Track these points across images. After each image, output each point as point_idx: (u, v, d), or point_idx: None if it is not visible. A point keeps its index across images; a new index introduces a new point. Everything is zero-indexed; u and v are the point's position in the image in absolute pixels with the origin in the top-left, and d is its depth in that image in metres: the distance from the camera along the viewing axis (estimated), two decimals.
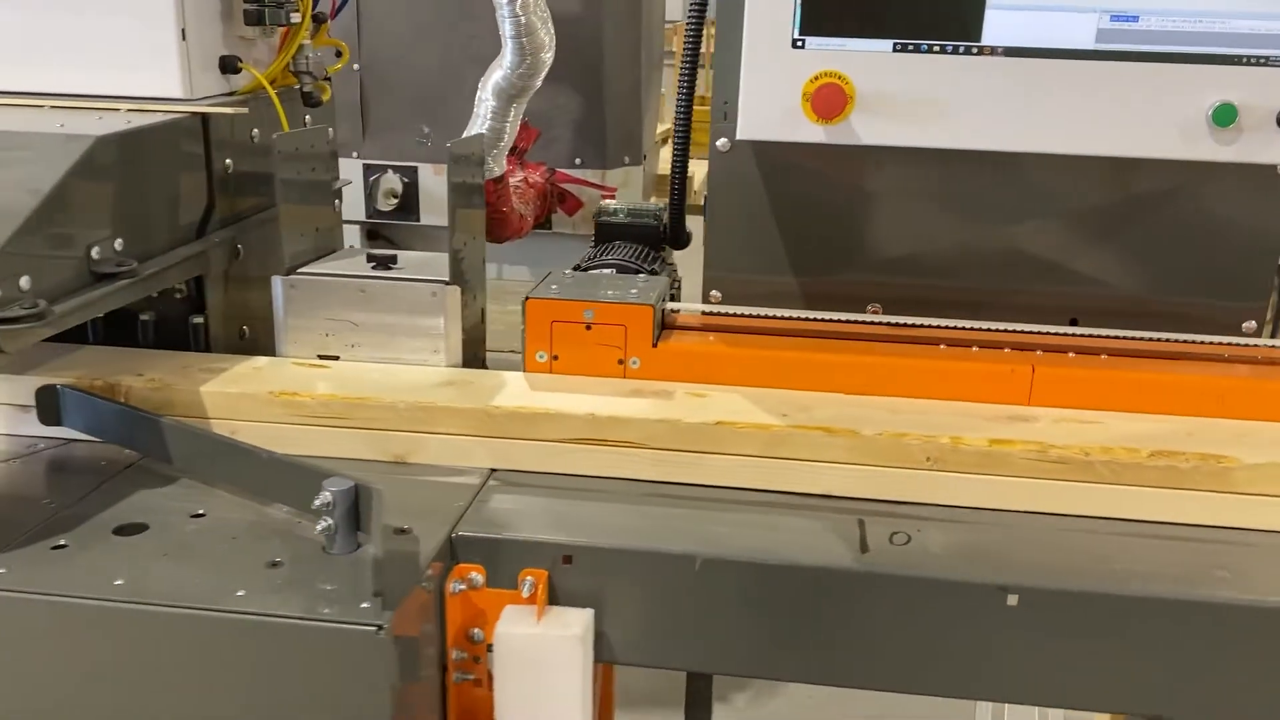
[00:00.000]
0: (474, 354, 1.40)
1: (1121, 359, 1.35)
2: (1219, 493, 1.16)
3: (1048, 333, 1.38)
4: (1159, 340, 1.37)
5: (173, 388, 1.29)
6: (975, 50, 1.22)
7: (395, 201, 2.90)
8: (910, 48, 1.22)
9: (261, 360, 1.39)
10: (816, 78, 1.23)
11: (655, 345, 1.35)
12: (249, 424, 1.28)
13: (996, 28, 1.21)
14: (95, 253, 1.18)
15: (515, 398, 1.28)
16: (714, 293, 1.51)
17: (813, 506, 1.19)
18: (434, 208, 2.82)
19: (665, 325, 1.43)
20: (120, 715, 1.00)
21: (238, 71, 1.50)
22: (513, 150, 2.38)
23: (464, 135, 2.08)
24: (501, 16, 2.09)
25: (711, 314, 1.46)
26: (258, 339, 1.49)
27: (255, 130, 1.50)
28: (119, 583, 0.99)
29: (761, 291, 1.49)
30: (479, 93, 2.26)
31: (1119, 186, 1.41)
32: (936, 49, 1.22)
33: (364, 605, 0.97)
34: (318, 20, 1.73)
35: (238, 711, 0.99)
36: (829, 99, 1.21)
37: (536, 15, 2.10)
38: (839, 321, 1.41)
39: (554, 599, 1.12)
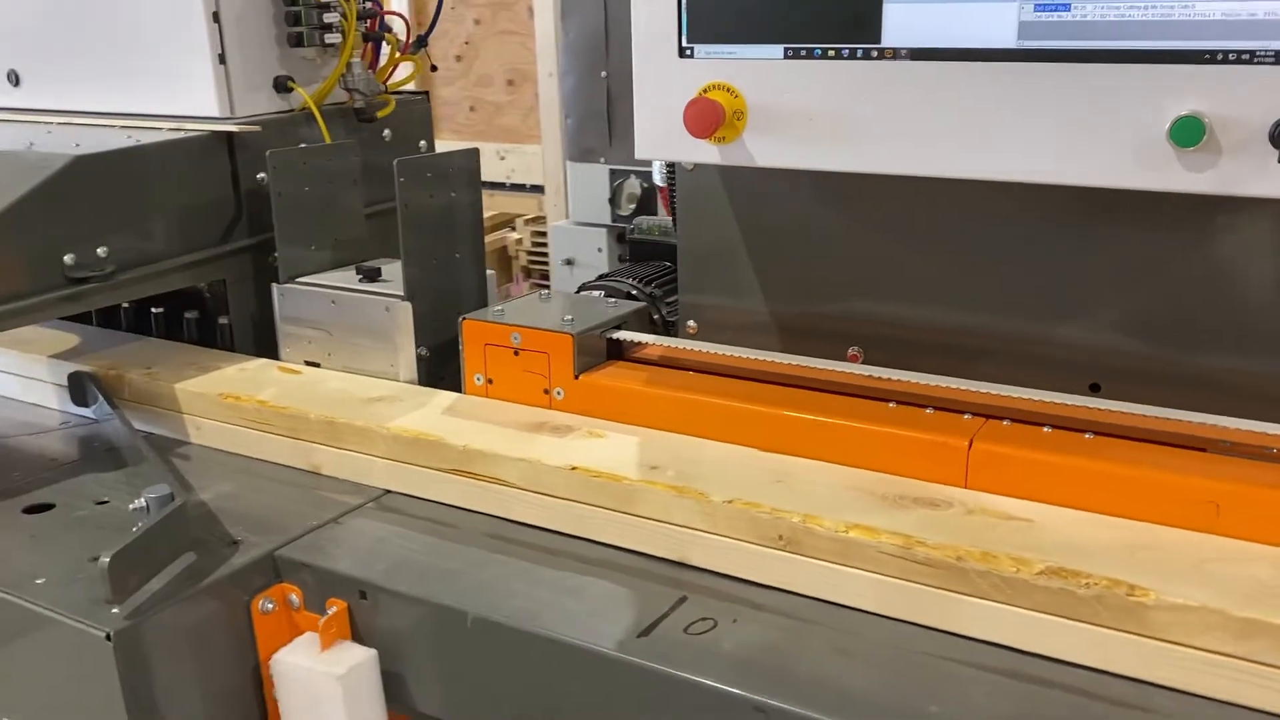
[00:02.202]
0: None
1: (1107, 440, 1.05)
2: (1122, 632, 0.88)
3: (1029, 399, 1.10)
4: (1169, 419, 1.04)
5: (160, 382, 1.42)
6: (875, 54, 1.00)
7: (634, 206, 2.96)
8: (802, 53, 1.04)
9: (253, 363, 1.48)
10: (705, 90, 1.08)
11: (577, 377, 1.27)
12: (208, 421, 1.38)
13: (898, 25, 0.99)
14: (69, 259, 1.32)
15: (419, 421, 1.26)
16: (690, 323, 1.38)
17: (644, 572, 1.06)
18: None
19: (619, 356, 1.33)
20: None
21: (290, 91, 1.60)
22: None
23: None
24: None
25: (674, 348, 1.33)
26: None
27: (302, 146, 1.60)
28: None
29: (737, 323, 1.34)
30: None
31: (1144, 218, 1.09)
32: (831, 54, 1.02)
33: (114, 610, 1.01)
34: (420, 41, 1.81)
35: (28, 676, 1.08)
36: (701, 115, 1.06)
37: None
38: (794, 365, 1.24)
39: (358, 634, 1.10)
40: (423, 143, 1.81)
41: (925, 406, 1.14)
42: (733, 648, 0.94)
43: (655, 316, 1.46)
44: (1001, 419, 1.10)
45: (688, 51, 1.09)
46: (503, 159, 4.04)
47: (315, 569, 1.11)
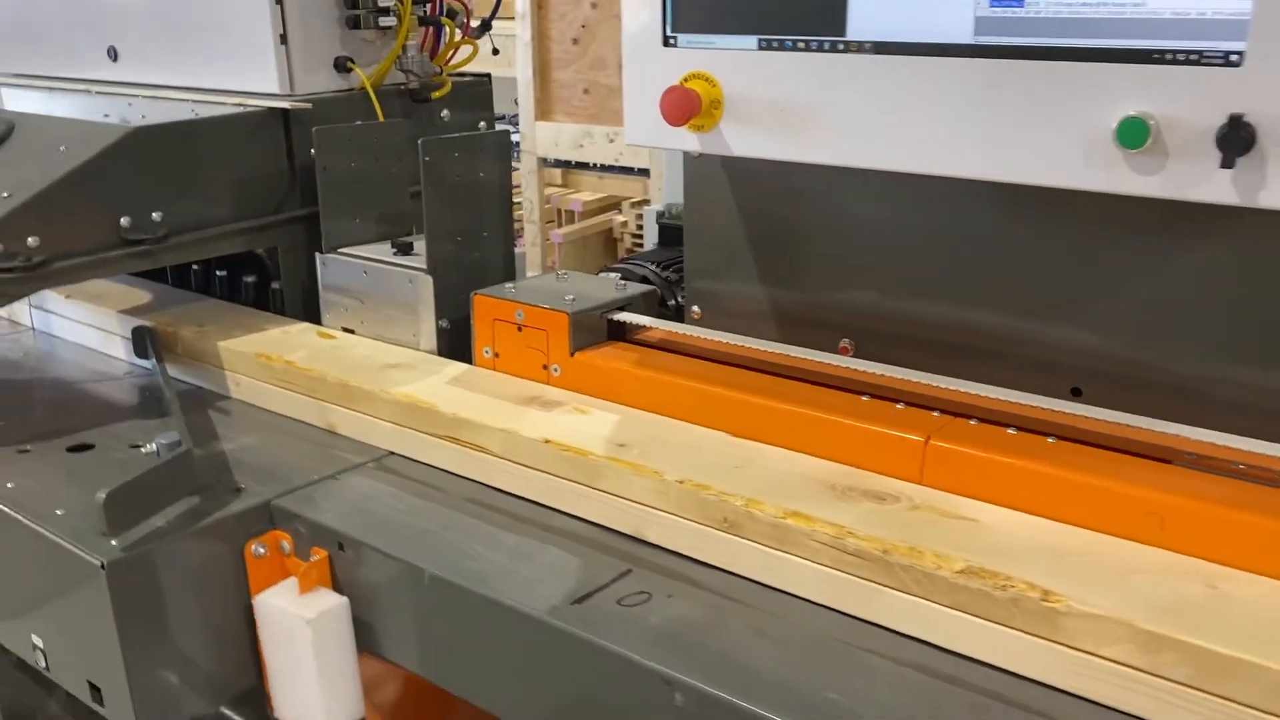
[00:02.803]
0: None
1: (1067, 445, 1.03)
2: (1035, 636, 0.87)
3: (1003, 399, 1.09)
4: (1139, 428, 1.02)
5: (208, 340, 1.53)
6: (841, 46, 1.01)
7: None
8: (775, 44, 1.05)
9: (296, 326, 1.58)
10: (686, 79, 1.11)
11: (573, 355, 1.31)
12: (245, 378, 1.48)
13: (863, 18, 0.99)
14: (125, 222, 1.44)
15: (423, 389, 1.33)
16: (694, 309, 1.40)
17: (600, 544, 1.10)
18: None
19: (621, 337, 1.36)
20: None
21: (349, 71, 1.69)
22: None
23: None
24: None
25: (672, 332, 1.36)
26: None
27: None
28: (10, 485, 1.24)
29: (738, 310, 1.36)
30: None
31: (1143, 218, 1.07)
32: (801, 45, 1.03)
33: (112, 543, 1.11)
34: (483, 26, 1.87)
35: (41, 594, 1.20)
36: (676, 103, 1.08)
37: None
38: (782, 354, 1.25)
39: (337, 583, 1.17)
40: (482, 123, 1.87)
41: (897, 401, 1.14)
42: (659, 621, 0.97)
43: (671, 302, 1.49)
44: (970, 418, 1.09)
45: (671, 41, 1.11)
46: (611, 141, 4.09)
47: (305, 519, 1.18)
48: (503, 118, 4.32)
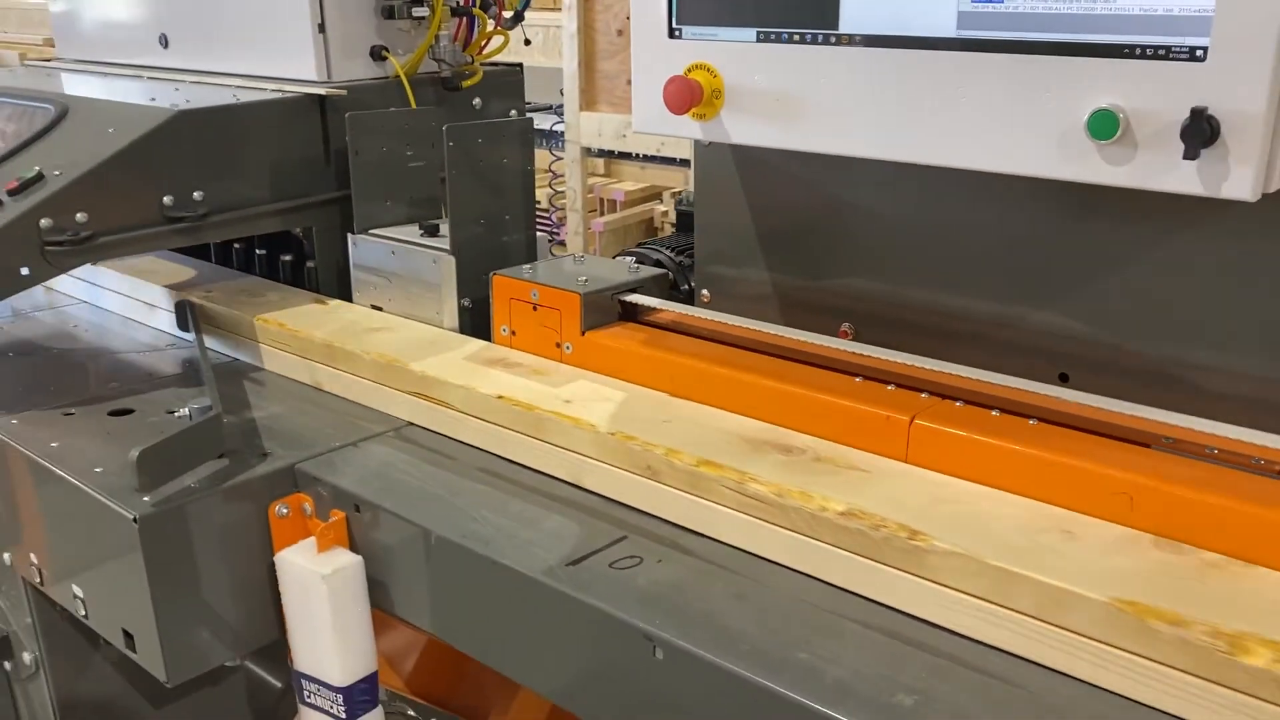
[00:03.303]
0: None
1: (1048, 428, 1.07)
2: (905, 572, 0.93)
3: (982, 380, 1.13)
4: (1120, 413, 1.05)
5: (244, 314, 1.61)
6: (834, 39, 1.05)
7: None
8: (772, 37, 1.09)
9: (328, 303, 1.65)
10: (689, 69, 1.15)
11: (584, 334, 1.37)
12: (275, 350, 1.56)
13: (855, 12, 1.03)
14: (168, 200, 1.52)
15: (441, 365, 1.39)
16: (704, 292, 1.45)
17: (597, 512, 1.16)
18: None
19: (633, 318, 1.42)
20: None
21: (384, 59, 1.76)
22: None
23: None
24: None
25: (681, 314, 1.41)
26: None
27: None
28: (54, 445, 1.33)
29: (745, 294, 1.41)
30: None
31: (1123, 210, 1.10)
32: (796, 38, 1.08)
33: (145, 499, 1.19)
34: (515, 17, 1.93)
35: (80, 546, 1.28)
36: (678, 93, 1.13)
37: None
38: (779, 336, 1.29)
39: (354, 543, 1.24)
40: (513, 111, 1.93)
41: (888, 383, 1.18)
42: (645, 584, 1.03)
43: (685, 286, 1.54)
44: (956, 400, 1.13)
45: (676, 32, 1.16)
46: None
47: (325, 482, 1.25)
48: (549, 108, 4.40)
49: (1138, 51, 0.88)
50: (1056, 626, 0.86)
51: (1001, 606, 0.88)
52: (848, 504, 0.97)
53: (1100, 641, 0.84)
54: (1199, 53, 0.85)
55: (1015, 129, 0.96)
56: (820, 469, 1.07)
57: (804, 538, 0.98)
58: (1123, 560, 0.91)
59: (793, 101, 1.09)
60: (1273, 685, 0.77)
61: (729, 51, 1.13)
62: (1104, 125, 0.89)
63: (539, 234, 1.63)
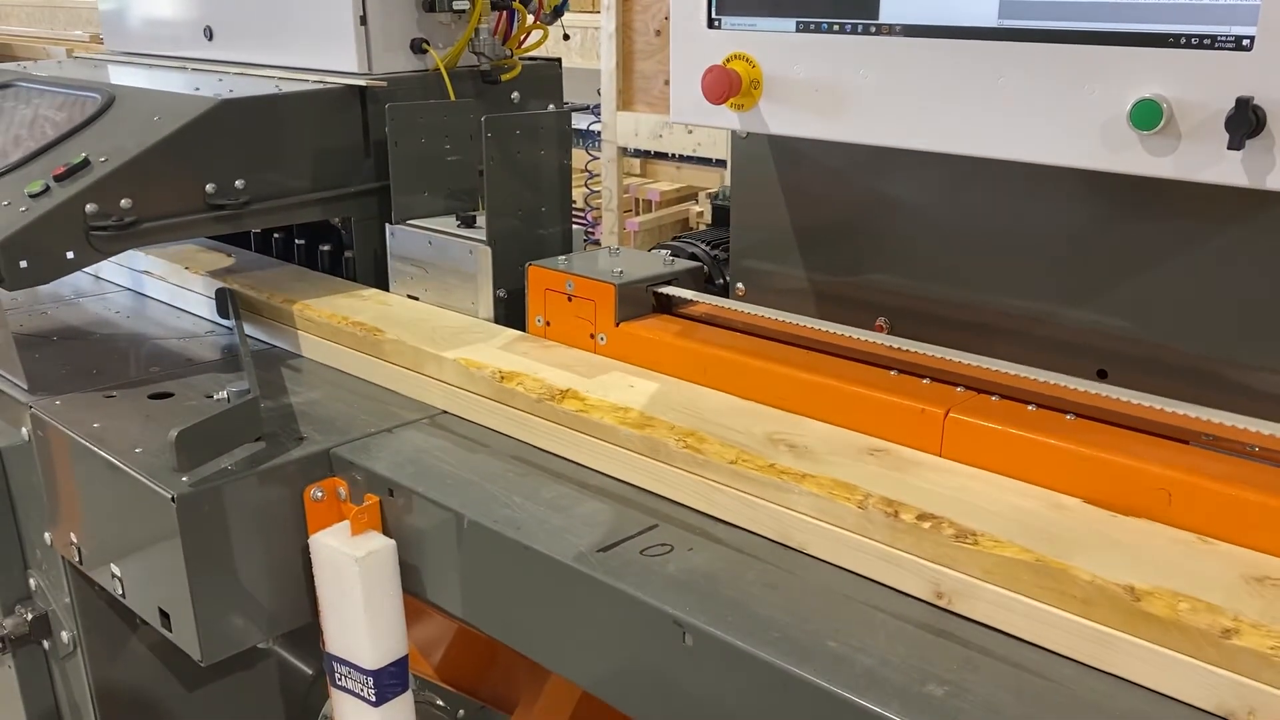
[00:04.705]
0: None
1: (1085, 424, 1.06)
2: (942, 567, 0.95)
3: (1019, 375, 1.12)
4: (1159, 409, 1.04)
5: (283, 302, 1.62)
6: (874, 29, 1.05)
7: None
8: (811, 27, 1.09)
9: (365, 292, 1.67)
10: (728, 60, 1.16)
11: (618, 325, 1.37)
12: (313, 338, 1.58)
13: (895, 2, 1.03)
14: (210, 188, 1.54)
15: (476, 354, 1.40)
16: (739, 285, 1.45)
17: (629, 500, 1.16)
18: None
19: (668, 310, 1.42)
20: None
21: (424, 52, 1.77)
22: None
23: None
24: None
25: (716, 306, 1.41)
26: None
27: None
28: (95, 425, 1.35)
29: (780, 287, 1.40)
30: None
31: (1164, 205, 1.09)
32: (836, 28, 1.08)
33: (183, 479, 1.20)
34: (556, 12, 1.94)
35: (119, 526, 1.30)
36: (716, 83, 1.13)
37: None
38: (813, 329, 1.29)
39: (387, 527, 1.25)
40: (550, 105, 1.94)
41: (924, 377, 1.17)
42: (676, 571, 1.03)
43: (720, 280, 1.54)
44: (992, 394, 1.13)
45: (715, 23, 1.16)
46: (690, 132, 4.14)
47: (359, 467, 1.26)
48: (587, 107, 4.41)
49: (1182, 41, 0.87)
50: (1090, 621, 0.85)
51: (1039, 602, 0.88)
52: (885, 497, 0.96)
53: (1132, 636, 0.83)
54: (1245, 42, 0.84)
55: (1056, 119, 0.95)
56: (854, 462, 1.07)
57: (837, 529, 0.98)
58: (1160, 557, 0.90)
59: (832, 92, 1.09)
60: None
61: (768, 42, 1.13)
62: (1147, 116, 0.89)
63: (574, 229, 1.64)
